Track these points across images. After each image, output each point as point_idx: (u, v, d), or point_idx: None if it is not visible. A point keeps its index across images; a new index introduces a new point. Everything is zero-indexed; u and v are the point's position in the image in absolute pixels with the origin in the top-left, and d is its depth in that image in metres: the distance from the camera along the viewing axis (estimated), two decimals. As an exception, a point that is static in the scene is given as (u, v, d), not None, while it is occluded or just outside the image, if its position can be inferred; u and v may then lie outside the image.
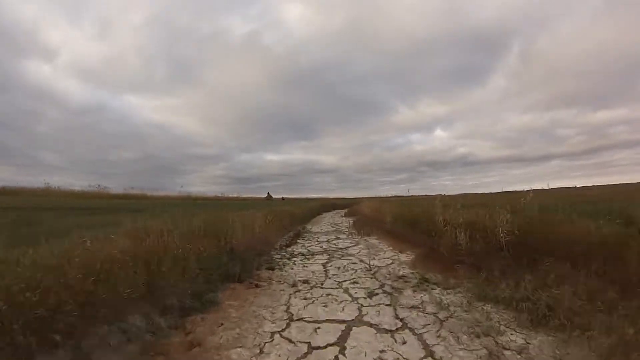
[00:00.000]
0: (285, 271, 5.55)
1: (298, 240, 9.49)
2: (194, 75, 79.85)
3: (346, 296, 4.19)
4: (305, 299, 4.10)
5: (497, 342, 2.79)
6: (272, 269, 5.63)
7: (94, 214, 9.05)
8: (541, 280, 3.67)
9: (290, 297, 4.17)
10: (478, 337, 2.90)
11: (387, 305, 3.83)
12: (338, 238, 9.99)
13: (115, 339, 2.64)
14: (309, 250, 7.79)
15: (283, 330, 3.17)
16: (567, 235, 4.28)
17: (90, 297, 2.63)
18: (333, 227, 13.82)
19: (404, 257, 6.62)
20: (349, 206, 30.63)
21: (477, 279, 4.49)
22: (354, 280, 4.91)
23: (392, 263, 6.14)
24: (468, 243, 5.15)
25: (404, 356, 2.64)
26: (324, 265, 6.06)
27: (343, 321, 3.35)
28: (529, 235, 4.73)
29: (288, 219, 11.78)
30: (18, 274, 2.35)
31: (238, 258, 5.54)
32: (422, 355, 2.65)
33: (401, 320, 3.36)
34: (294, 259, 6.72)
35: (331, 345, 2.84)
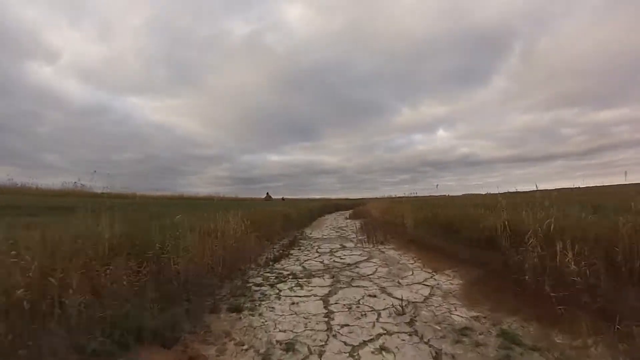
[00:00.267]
0: (260, 315, 3.30)
1: (292, 251, 7.25)
2: (195, 76, 78.16)
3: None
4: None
5: None
6: (239, 309, 3.38)
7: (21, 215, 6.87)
8: None
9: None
10: None
11: None
12: (344, 247, 7.74)
13: None
14: (304, 268, 5.55)
15: None
16: None
17: None
18: (337, 231, 11.56)
19: (445, 283, 4.36)
20: (352, 207, 28.36)
21: (609, 339, 2.30)
22: (381, 343, 2.65)
23: (431, 295, 3.89)
24: (584, 269, 2.87)
25: None
26: (324, 299, 3.80)
27: None
28: None
29: (280, 223, 9.52)
30: None
31: (181, 291, 3.32)
32: None
33: None
34: (281, 284, 4.48)
35: None
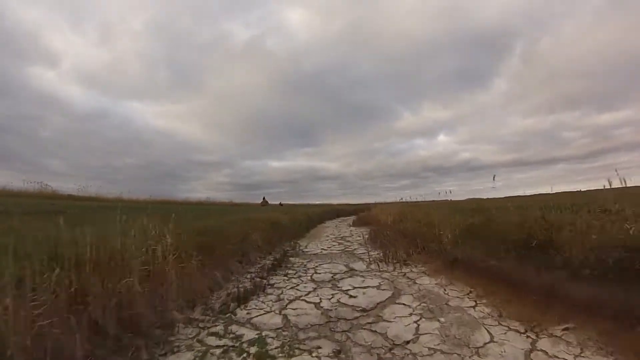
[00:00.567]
0: None
1: (273, 279, 4.81)
2: (196, 80, 76.22)
3: None
4: None
5: None
6: None
7: None
8: None
9: None
10: None
11: None
12: (352, 271, 5.31)
13: None
14: (286, 321, 3.12)
15: None
16: None
17: None
18: (339, 243, 9.07)
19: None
20: (355, 213, 25.82)
21: None
22: None
23: None
24: None
25: None
26: None
27: None
28: None
29: (266, 233, 7.07)
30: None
31: None
32: None
33: None
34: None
35: None
